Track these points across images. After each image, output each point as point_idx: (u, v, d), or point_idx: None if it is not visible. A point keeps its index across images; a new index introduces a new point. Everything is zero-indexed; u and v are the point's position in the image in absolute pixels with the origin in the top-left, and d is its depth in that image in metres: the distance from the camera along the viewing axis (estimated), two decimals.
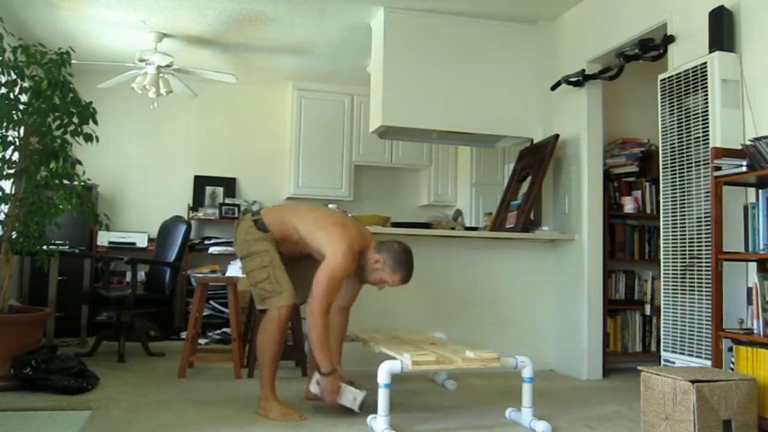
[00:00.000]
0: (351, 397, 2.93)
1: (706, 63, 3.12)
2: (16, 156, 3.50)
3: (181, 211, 6.09)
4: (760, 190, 2.75)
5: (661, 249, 3.39)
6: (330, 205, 4.80)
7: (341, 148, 6.45)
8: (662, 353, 3.32)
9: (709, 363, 2.89)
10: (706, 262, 3.02)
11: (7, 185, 3.53)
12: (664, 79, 3.40)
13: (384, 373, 2.62)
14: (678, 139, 3.30)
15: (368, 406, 2.87)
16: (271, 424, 2.81)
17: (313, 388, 3.00)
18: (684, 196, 3.23)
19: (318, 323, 2.83)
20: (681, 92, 3.28)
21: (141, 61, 5.11)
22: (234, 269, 5.65)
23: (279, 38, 5.29)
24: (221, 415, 2.93)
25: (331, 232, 2.95)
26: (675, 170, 3.31)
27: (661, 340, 3.35)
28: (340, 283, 2.91)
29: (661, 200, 3.42)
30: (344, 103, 6.48)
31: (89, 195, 5.60)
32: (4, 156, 3.46)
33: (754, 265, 2.82)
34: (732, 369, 2.71)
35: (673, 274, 3.28)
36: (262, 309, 3.01)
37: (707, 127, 3.10)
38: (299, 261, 3.12)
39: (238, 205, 6.36)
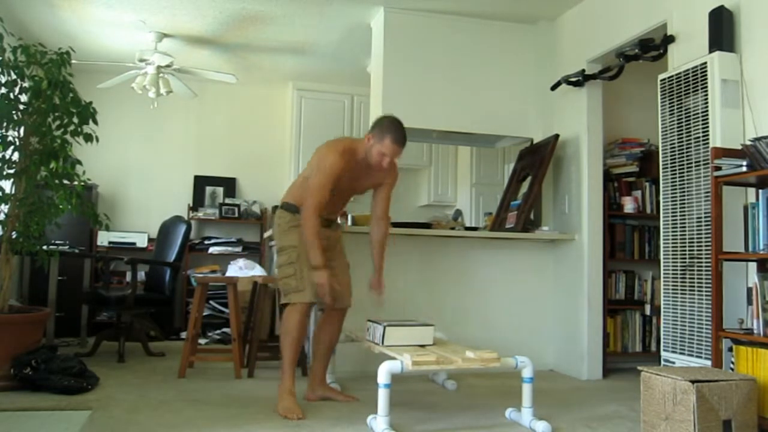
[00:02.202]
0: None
1: (706, 63, 3.12)
2: (16, 156, 3.50)
3: (181, 211, 6.09)
4: (760, 190, 2.75)
5: (661, 249, 3.39)
6: None
7: None
8: (662, 353, 3.32)
9: (709, 363, 2.89)
10: (706, 262, 3.01)
11: (7, 185, 3.53)
12: (664, 79, 3.40)
13: (384, 373, 2.62)
14: (678, 139, 3.30)
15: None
16: (270, 423, 2.81)
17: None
18: (684, 196, 3.23)
19: (308, 224, 3.03)
20: (681, 92, 3.28)
21: (141, 61, 5.11)
22: (234, 269, 5.65)
23: (279, 38, 5.29)
24: (221, 415, 2.93)
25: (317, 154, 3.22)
26: (675, 170, 3.31)
27: (661, 340, 3.35)
28: (326, 185, 3.08)
29: (661, 200, 3.41)
30: (344, 103, 6.48)
31: (89, 195, 5.61)
32: (4, 156, 3.46)
33: (754, 265, 2.82)
34: (732, 369, 2.71)
35: (673, 274, 3.28)
36: (284, 303, 3.14)
37: (707, 127, 3.10)
38: (330, 260, 3.19)
39: (238, 205, 6.36)
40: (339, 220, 3.54)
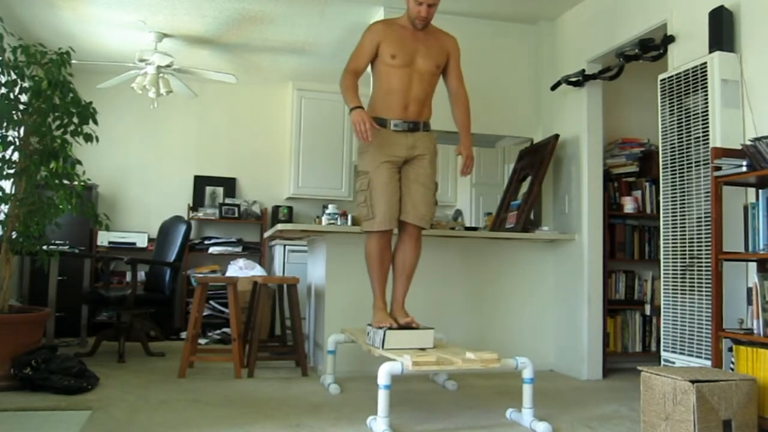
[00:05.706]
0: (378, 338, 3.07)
1: (706, 63, 3.12)
2: (16, 156, 3.50)
3: (181, 211, 6.10)
4: (760, 190, 2.75)
5: (661, 249, 3.39)
6: (330, 206, 4.79)
7: (341, 148, 6.45)
8: (662, 353, 3.32)
9: (709, 363, 2.89)
10: (706, 262, 3.02)
11: (7, 185, 3.53)
12: (664, 79, 3.40)
13: (384, 374, 2.62)
14: (678, 139, 3.30)
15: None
16: (270, 423, 2.81)
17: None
18: (684, 196, 3.23)
19: (342, 83, 3.33)
20: (681, 92, 3.28)
21: (141, 61, 5.12)
22: (234, 269, 5.65)
23: (279, 38, 5.29)
24: (221, 415, 2.93)
25: None
26: (675, 170, 3.31)
27: (661, 340, 3.35)
28: (363, 50, 3.32)
29: (661, 200, 3.42)
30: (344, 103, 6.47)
31: (89, 195, 5.61)
32: (4, 156, 3.46)
33: (754, 265, 2.82)
34: (732, 369, 2.71)
35: (673, 274, 3.28)
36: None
37: (707, 127, 3.10)
38: (408, 172, 3.32)
39: (238, 205, 6.36)
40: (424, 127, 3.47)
